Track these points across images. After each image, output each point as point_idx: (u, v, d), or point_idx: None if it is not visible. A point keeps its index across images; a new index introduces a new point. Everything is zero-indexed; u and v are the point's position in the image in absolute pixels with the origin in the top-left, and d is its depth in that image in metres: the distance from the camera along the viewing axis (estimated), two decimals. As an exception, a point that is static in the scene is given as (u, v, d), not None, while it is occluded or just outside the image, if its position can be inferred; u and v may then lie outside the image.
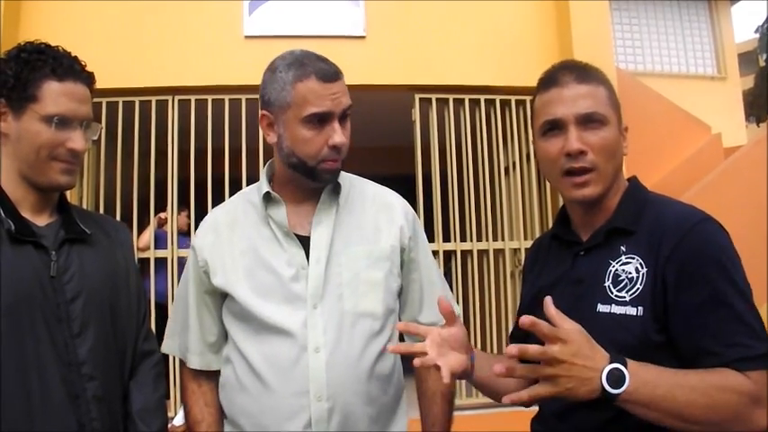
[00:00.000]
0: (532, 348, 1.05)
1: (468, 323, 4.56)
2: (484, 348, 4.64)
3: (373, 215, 1.52)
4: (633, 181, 1.34)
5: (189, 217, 4.65)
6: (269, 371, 1.39)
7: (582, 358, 1.05)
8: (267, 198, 1.47)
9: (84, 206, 4.49)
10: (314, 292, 1.41)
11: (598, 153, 1.25)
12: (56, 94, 1.34)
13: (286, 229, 1.45)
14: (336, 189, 1.50)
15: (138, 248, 4.55)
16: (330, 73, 1.39)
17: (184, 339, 1.54)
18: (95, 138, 1.46)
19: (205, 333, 1.52)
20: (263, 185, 1.49)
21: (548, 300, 1.12)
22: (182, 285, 1.58)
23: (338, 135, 1.39)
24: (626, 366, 1.06)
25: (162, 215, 4.72)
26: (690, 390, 1.07)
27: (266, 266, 1.43)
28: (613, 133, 1.26)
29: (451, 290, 4.48)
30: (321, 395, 1.37)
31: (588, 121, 1.25)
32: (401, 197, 1.61)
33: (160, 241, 4.75)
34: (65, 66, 1.37)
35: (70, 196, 4.48)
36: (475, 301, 4.59)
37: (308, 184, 1.46)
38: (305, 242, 1.44)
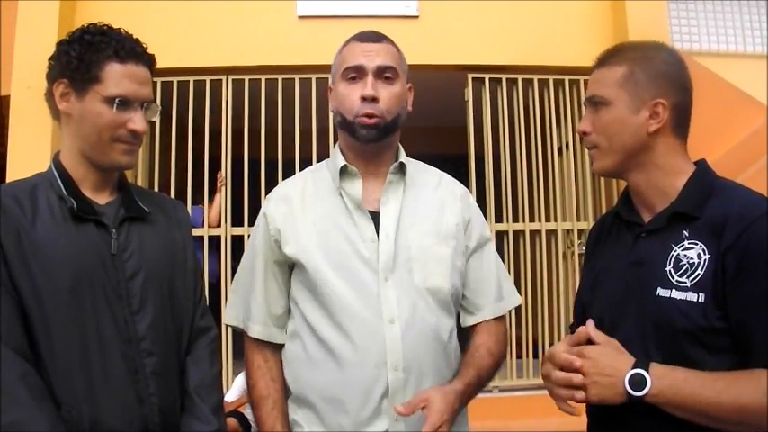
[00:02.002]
0: (561, 375, 1.24)
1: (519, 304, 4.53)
2: (535, 328, 4.62)
3: (439, 196, 1.57)
4: (701, 165, 1.32)
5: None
6: (342, 343, 1.41)
7: (601, 368, 1.18)
8: (342, 171, 1.52)
9: (139, 184, 4.58)
10: (385, 266, 1.44)
11: (597, 133, 1.33)
12: (118, 76, 1.37)
13: (359, 203, 1.49)
14: (402, 169, 1.54)
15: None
16: (368, 35, 1.51)
17: (247, 308, 1.56)
18: (155, 119, 1.48)
19: (271, 303, 1.53)
20: (338, 159, 1.53)
21: (589, 323, 1.28)
22: (247, 256, 1.60)
23: (368, 87, 1.46)
24: (648, 370, 1.14)
25: (220, 176, 4.72)
26: (716, 393, 1.10)
27: (339, 237, 1.47)
28: (615, 114, 1.30)
29: (503, 271, 4.52)
30: (398, 365, 1.39)
31: (592, 103, 1.34)
32: (463, 186, 1.67)
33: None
34: (127, 48, 1.39)
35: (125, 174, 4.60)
36: (527, 282, 4.56)
37: (363, 151, 1.53)
38: (374, 217, 1.48)
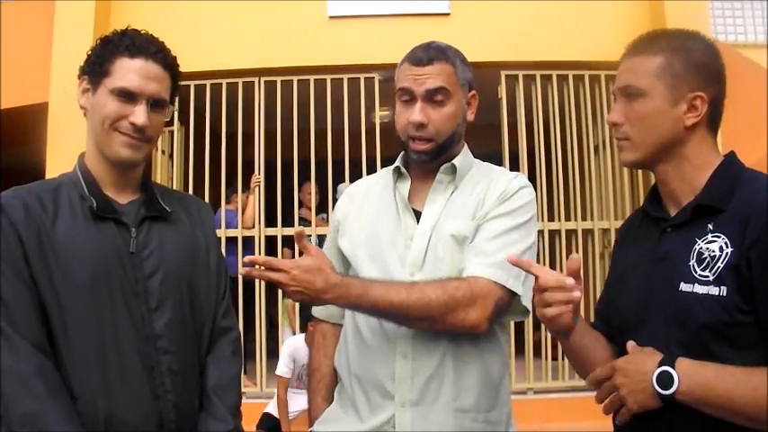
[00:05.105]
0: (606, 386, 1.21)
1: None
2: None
3: (482, 197, 1.56)
4: (729, 157, 1.27)
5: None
6: (368, 329, 1.50)
7: (630, 374, 1.16)
8: (398, 172, 1.61)
9: (174, 186, 4.64)
10: (413, 261, 1.49)
11: (632, 125, 1.26)
12: (125, 70, 1.38)
13: (405, 202, 1.56)
14: (453, 170, 1.57)
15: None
16: (419, 57, 1.52)
17: None
18: (167, 119, 1.50)
19: None
20: (397, 161, 1.63)
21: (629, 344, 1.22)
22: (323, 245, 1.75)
23: (415, 113, 1.49)
24: (674, 367, 1.10)
25: (254, 179, 4.73)
26: (751, 390, 1.06)
27: (382, 232, 1.55)
28: (651, 105, 1.23)
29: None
30: (407, 354, 1.45)
31: (626, 93, 1.26)
32: (520, 176, 1.58)
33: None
34: (138, 44, 1.41)
35: (160, 177, 4.66)
36: (562, 283, 4.49)
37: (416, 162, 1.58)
38: (419, 216, 1.55)
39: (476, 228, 1.51)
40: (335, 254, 1.63)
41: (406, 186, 1.58)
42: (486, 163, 1.64)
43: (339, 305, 1.43)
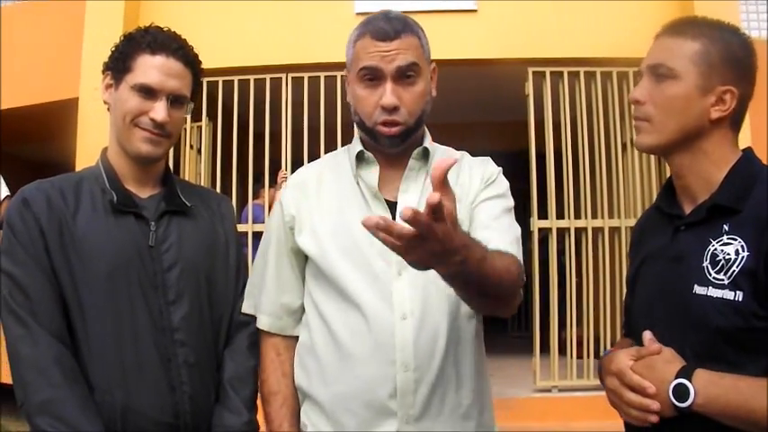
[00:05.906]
0: (636, 399, 1.16)
1: (581, 301, 4.47)
2: (597, 327, 4.52)
3: (461, 183, 1.43)
4: (746, 153, 1.23)
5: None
6: (351, 338, 1.35)
7: (646, 380, 1.12)
8: (360, 158, 1.43)
9: (202, 181, 4.69)
10: (399, 259, 1.24)
11: (655, 105, 1.21)
12: (146, 66, 1.41)
13: (375, 192, 1.39)
14: (426, 155, 1.44)
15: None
16: (384, 31, 1.33)
17: (258, 298, 1.51)
18: (187, 115, 1.52)
19: (284, 293, 1.47)
20: (356, 145, 1.45)
21: (645, 335, 1.20)
22: (263, 243, 1.54)
23: (387, 95, 1.33)
24: (691, 380, 1.08)
25: (281, 174, 4.76)
26: None
27: (353, 229, 1.36)
28: (681, 89, 1.19)
29: (565, 267, 4.45)
30: (408, 365, 1.31)
31: (656, 72, 1.22)
32: (490, 160, 1.50)
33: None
34: (159, 41, 1.43)
35: (188, 171, 4.69)
36: (589, 281, 4.47)
37: (385, 149, 1.41)
38: (391, 207, 1.38)
39: (470, 211, 1.39)
40: (287, 252, 1.46)
41: (371, 174, 1.40)
42: (439, 146, 1.51)
43: (452, 269, 1.07)
